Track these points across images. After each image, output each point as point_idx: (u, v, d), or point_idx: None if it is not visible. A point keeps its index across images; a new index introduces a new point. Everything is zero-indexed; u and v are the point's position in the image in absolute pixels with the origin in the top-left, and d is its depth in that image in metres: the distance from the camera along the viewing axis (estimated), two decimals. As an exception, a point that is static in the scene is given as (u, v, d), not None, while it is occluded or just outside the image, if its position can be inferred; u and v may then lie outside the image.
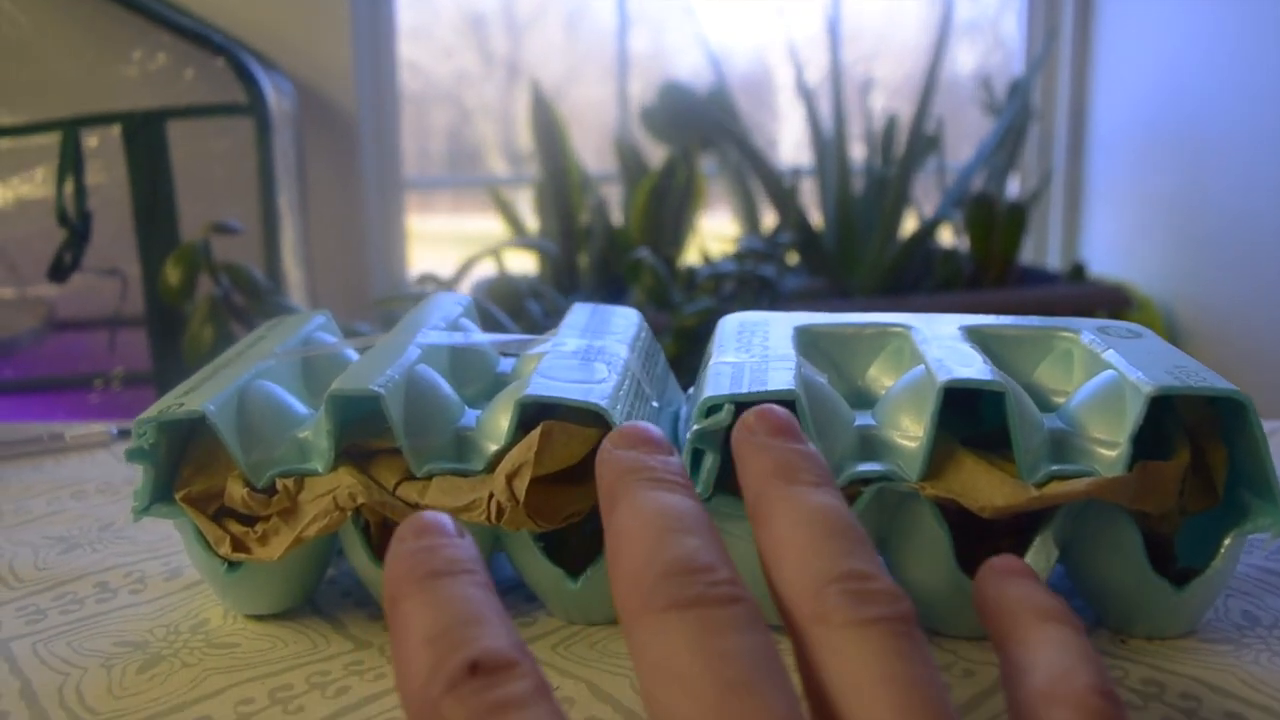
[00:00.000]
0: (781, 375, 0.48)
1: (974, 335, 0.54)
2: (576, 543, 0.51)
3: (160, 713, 0.44)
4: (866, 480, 0.46)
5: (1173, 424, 0.48)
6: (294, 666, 0.48)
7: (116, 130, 1.66)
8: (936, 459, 0.46)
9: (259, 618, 0.53)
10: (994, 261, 2.48)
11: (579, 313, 0.63)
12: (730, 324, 0.58)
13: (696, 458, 0.47)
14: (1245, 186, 2.32)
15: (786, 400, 0.45)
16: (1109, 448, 0.46)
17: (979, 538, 0.48)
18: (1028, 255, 2.96)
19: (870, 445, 0.48)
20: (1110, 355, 0.50)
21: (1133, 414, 0.45)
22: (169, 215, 1.65)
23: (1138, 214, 2.77)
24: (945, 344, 0.52)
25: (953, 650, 0.48)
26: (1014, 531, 0.48)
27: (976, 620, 0.47)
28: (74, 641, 0.51)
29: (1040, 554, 0.46)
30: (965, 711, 0.43)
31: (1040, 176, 2.98)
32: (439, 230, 3.05)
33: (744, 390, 0.46)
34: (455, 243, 2.66)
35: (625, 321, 0.62)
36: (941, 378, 0.46)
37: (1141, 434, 0.45)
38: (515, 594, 0.55)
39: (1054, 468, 0.46)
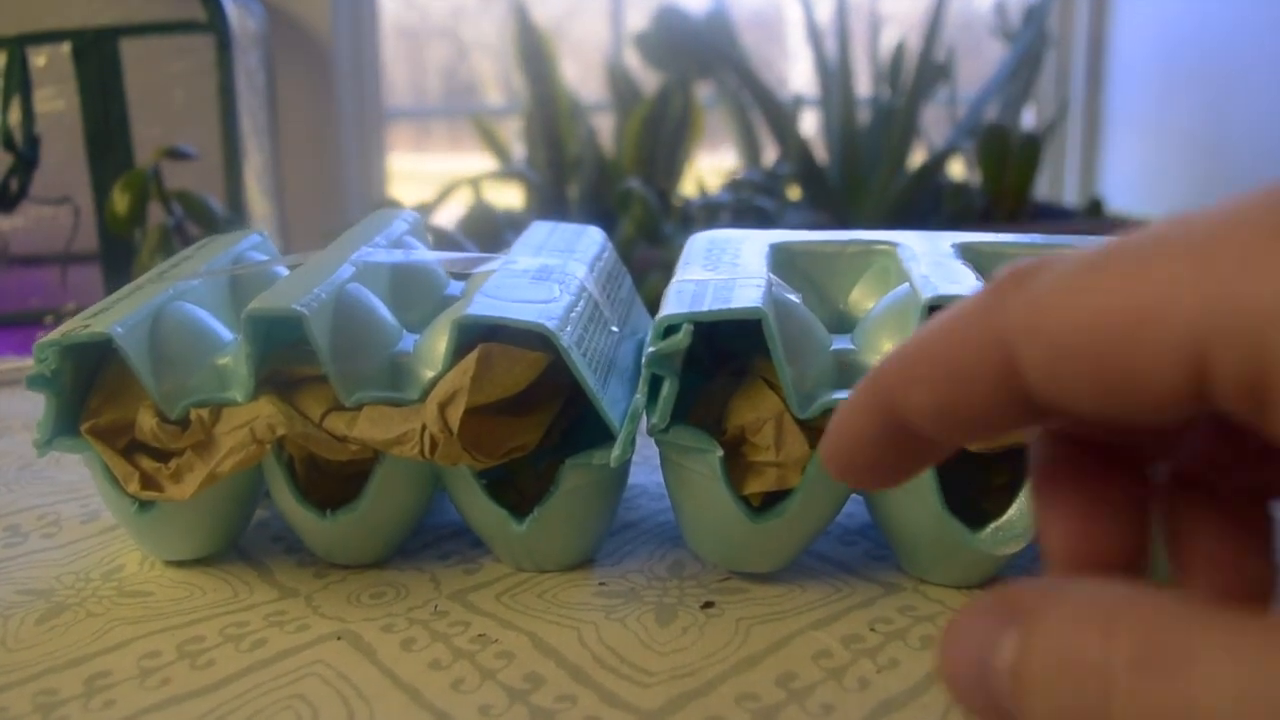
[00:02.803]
0: (748, 293, 0.44)
1: (968, 253, 0.51)
2: (523, 481, 0.48)
3: (54, 667, 0.42)
4: None
5: None
6: (209, 617, 0.45)
7: (66, 48, 1.62)
8: None
9: (179, 564, 0.50)
10: (1007, 196, 2.45)
11: (537, 230, 0.60)
12: (699, 241, 0.55)
13: (655, 384, 0.44)
14: (1271, 118, 2.29)
15: (752, 319, 0.42)
16: None
17: (970, 475, 0.45)
18: (1043, 190, 2.93)
19: (848, 371, 0.45)
20: None
21: None
22: (123, 141, 1.61)
23: (1159, 147, 2.74)
24: (934, 261, 0.49)
25: (939, 600, 0.45)
26: (1008, 468, 0.45)
27: (965, 566, 0.45)
28: (-27, 589, 0.48)
29: None
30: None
31: (1057, 107, 2.95)
32: (434, 170, 3.02)
33: (705, 308, 0.43)
34: (442, 184, 2.64)
35: (587, 240, 0.59)
36: (926, 294, 0.43)
37: None
38: (460, 539, 0.52)
39: None
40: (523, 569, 0.49)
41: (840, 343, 0.46)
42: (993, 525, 0.44)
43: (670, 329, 0.43)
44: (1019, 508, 0.43)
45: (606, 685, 0.39)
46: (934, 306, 0.43)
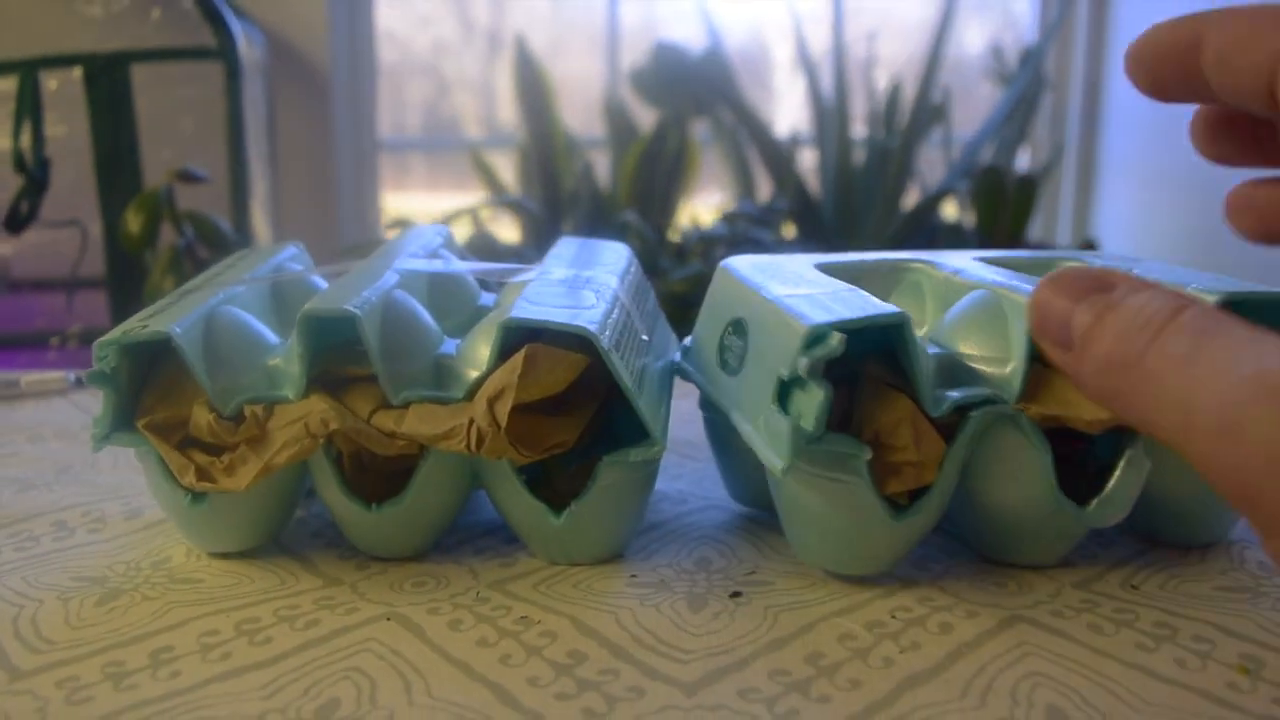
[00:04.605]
0: (875, 301, 0.47)
1: (993, 264, 0.56)
2: (559, 478, 0.51)
3: (120, 643, 0.45)
4: (964, 406, 0.47)
5: None
6: (261, 601, 0.48)
7: (78, 73, 1.65)
8: (1029, 379, 0.47)
9: (225, 556, 0.53)
10: (1001, 237, 2.48)
11: (566, 245, 0.63)
12: (744, 267, 0.57)
13: (787, 393, 0.45)
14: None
15: (896, 324, 0.45)
16: None
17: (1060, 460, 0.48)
18: (1037, 232, 2.96)
19: (948, 371, 0.48)
20: (1143, 270, 0.52)
21: None
22: (132, 164, 1.64)
23: (1153, 191, 2.77)
24: (989, 270, 0.53)
25: (955, 593, 0.48)
26: (1096, 457, 0.50)
27: (1062, 543, 0.50)
28: (29, 576, 0.51)
29: (1134, 467, 0.48)
30: (970, 649, 0.43)
31: (1052, 149, 2.99)
32: (415, 208, 3.04)
33: (849, 317, 0.44)
34: (431, 220, 2.65)
35: (615, 255, 0.62)
36: (1027, 291, 0.47)
37: None
38: (494, 536, 0.55)
39: None
40: (556, 562, 0.52)
41: (930, 349, 0.49)
42: (1097, 500, 0.48)
43: (815, 339, 0.44)
44: (1117, 482, 0.48)
45: (646, 661, 0.42)
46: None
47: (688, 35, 2.84)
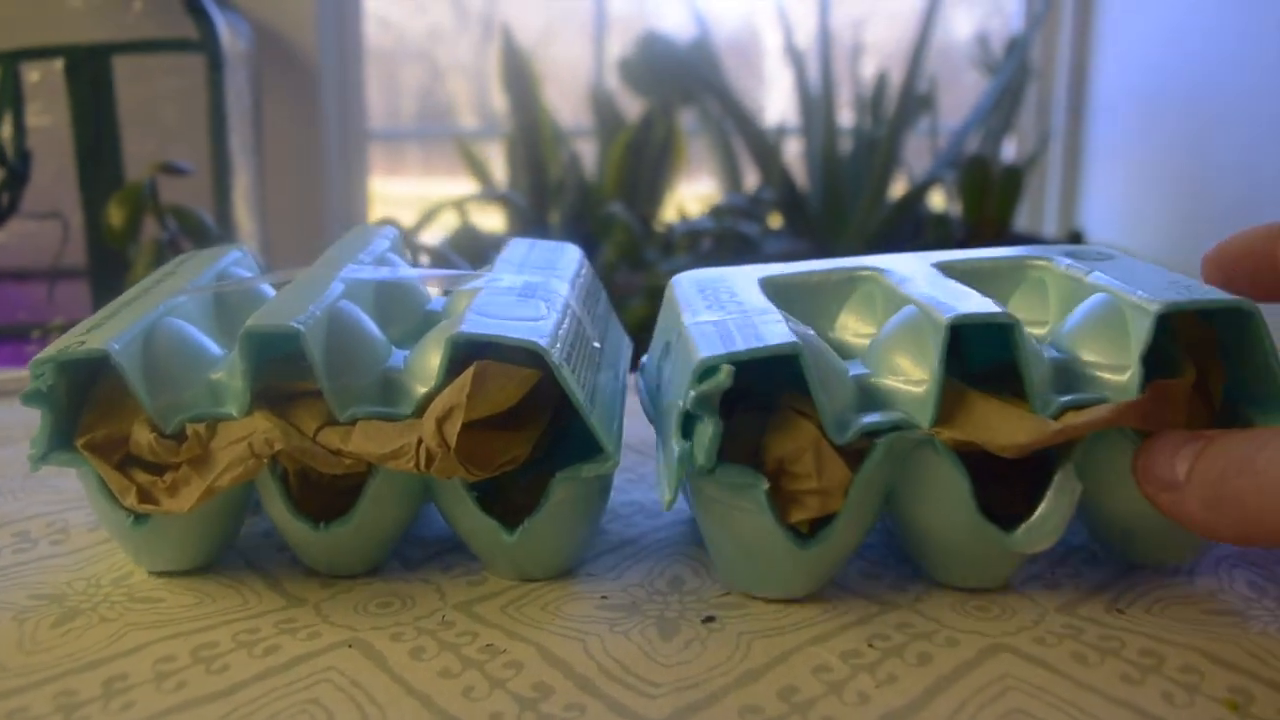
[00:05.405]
0: (776, 329, 0.45)
1: (949, 271, 0.54)
2: (513, 493, 0.50)
3: (73, 669, 0.43)
4: (875, 432, 0.45)
5: (1168, 342, 0.48)
6: (220, 624, 0.46)
7: (59, 64, 1.63)
8: (945, 402, 0.45)
9: (186, 572, 0.51)
10: (988, 226, 2.47)
11: (517, 248, 0.62)
12: (685, 284, 0.56)
13: (689, 424, 0.45)
14: (1252, 152, 2.31)
15: (789, 354, 0.44)
16: (1116, 372, 0.46)
17: (989, 482, 0.47)
18: (1023, 221, 2.95)
19: (868, 395, 0.47)
20: (1097, 277, 0.50)
21: (1138, 334, 0.45)
22: (114, 157, 1.62)
23: (1139, 180, 2.76)
24: (929, 281, 0.51)
25: (935, 618, 0.46)
26: (1024, 473, 0.47)
27: (996, 567, 0.48)
28: (-12, 594, 0.49)
29: (1064, 491, 0.45)
30: (949, 682, 0.41)
31: (1038, 139, 2.97)
32: (408, 194, 3.03)
33: (740, 348, 0.44)
34: (425, 207, 2.64)
35: (566, 258, 0.60)
36: (946, 315, 0.45)
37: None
38: (461, 551, 0.53)
39: (1065, 398, 0.45)
40: (508, 579, 0.50)
41: (853, 368, 0.48)
42: (1024, 525, 0.46)
43: (707, 372, 0.44)
44: (1048, 506, 0.45)
45: (613, 695, 0.41)
46: (955, 326, 0.44)
47: (678, 24, 2.82)
